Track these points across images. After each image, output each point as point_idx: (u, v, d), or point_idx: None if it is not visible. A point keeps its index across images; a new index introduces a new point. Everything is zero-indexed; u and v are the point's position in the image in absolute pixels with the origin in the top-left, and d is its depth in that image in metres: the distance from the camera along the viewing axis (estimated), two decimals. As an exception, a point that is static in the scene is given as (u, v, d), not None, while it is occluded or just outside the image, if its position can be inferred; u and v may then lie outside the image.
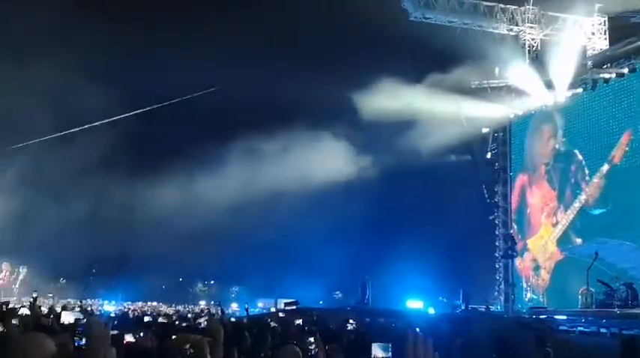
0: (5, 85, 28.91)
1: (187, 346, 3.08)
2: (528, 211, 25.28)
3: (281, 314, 12.73)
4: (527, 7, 25.10)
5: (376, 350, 4.65)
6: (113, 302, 31.06)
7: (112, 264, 36.42)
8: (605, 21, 23.98)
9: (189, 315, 12.63)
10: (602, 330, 13.35)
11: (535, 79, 23.81)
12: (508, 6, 25.19)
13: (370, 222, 31.04)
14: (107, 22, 30.84)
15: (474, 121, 26.45)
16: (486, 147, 27.54)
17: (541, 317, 16.39)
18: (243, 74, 31.71)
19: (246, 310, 14.49)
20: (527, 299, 24.56)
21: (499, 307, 24.91)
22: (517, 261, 25.03)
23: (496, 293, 26.11)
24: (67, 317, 4.07)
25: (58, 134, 30.77)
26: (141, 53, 31.29)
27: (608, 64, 21.73)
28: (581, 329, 14.08)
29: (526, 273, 24.96)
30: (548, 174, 24.16)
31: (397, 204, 30.96)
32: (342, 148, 29.80)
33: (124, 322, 7.38)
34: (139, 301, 35.69)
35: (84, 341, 3.60)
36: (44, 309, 11.37)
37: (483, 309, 21.20)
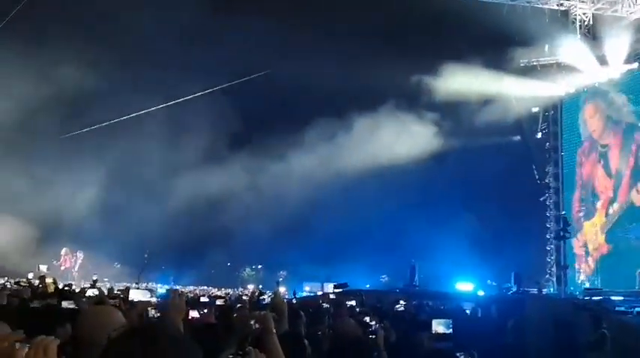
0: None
1: (252, 321, 3.15)
2: (585, 193, 24.61)
3: (332, 296, 12.82)
4: (578, -20, 24.31)
5: (437, 326, 4.66)
6: (166, 286, 31.88)
7: (163, 249, 37.29)
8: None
9: (244, 298, 12.87)
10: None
11: (587, 54, 23.07)
12: (558, -19, 24.45)
13: (417, 204, 30.72)
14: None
15: (524, 100, 25.86)
16: (536, 126, 26.92)
17: (596, 298, 16.03)
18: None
19: (294, 294, 14.78)
20: (579, 282, 24.04)
21: (552, 289, 24.45)
22: (573, 241, 24.47)
23: (547, 275, 25.64)
24: (135, 295, 4.23)
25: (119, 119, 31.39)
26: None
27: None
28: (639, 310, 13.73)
29: (580, 254, 24.42)
30: (603, 157, 23.35)
31: (445, 185, 30.53)
32: (391, 131, 29.53)
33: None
34: (189, 285, 36.49)
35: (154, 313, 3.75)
36: (104, 291, 11.82)
37: (535, 292, 20.84)
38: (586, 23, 24.73)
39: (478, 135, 27.43)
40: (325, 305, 9.82)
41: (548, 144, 26.53)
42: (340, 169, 30.46)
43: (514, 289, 19.60)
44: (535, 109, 26.49)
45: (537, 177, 26.70)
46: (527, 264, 25.76)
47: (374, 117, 29.92)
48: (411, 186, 29.57)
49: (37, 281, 12.52)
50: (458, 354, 3.45)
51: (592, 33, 24.20)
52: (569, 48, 23.53)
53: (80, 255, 35.07)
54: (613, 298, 15.83)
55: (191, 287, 34.14)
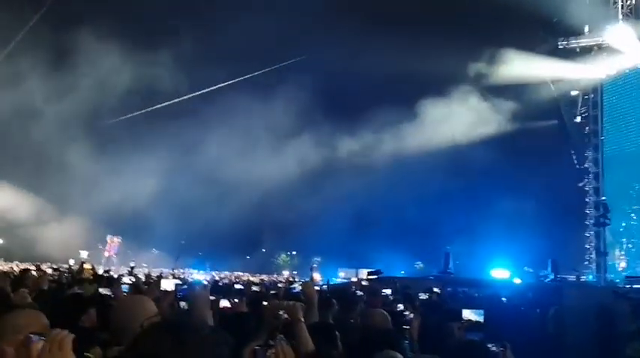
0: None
1: (281, 312, 3.18)
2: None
3: (364, 283, 12.81)
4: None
5: (469, 315, 4.60)
6: (202, 271, 32.41)
7: (199, 236, 37.85)
8: None
9: (279, 285, 12.95)
10: None
11: (630, 36, 22.31)
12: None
13: (453, 190, 30.42)
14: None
15: (562, 84, 25.20)
16: (575, 110, 26.23)
17: (637, 286, 15.61)
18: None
19: (327, 282, 14.85)
20: (620, 269, 23.48)
21: (591, 276, 23.95)
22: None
23: (586, 262, 25.11)
24: (167, 285, 4.31)
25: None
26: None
27: None
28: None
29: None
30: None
31: (481, 171, 30.11)
32: (432, 117, 29.17)
33: (215, 289, 7.71)
34: (225, 271, 37.03)
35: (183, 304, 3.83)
36: (141, 277, 12.10)
37: (573, 279, 20.42)
38: (628, 3, 23.90)
39: (515, 120, 26.89)
40: (359, 292, 9.81)
41: (587, 128, 25.83)
42: (374, 158, 30.32)
43: (551, 276, 19.22)
44: (574, 93, 25.79)
45: (576, 162, 26.06)
46: (565, 251, 25.28)
47: (417, 103, 29.62)
48: (448, 172, 29.28)
49: (77, 267, 12.88)
50: (489, 345, 3.39)
51: (635, 13, 23.38)
52: (611, 29, 22.80)
53: (117, 239, 35.89)
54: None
55: (226, 273, 34.64)
